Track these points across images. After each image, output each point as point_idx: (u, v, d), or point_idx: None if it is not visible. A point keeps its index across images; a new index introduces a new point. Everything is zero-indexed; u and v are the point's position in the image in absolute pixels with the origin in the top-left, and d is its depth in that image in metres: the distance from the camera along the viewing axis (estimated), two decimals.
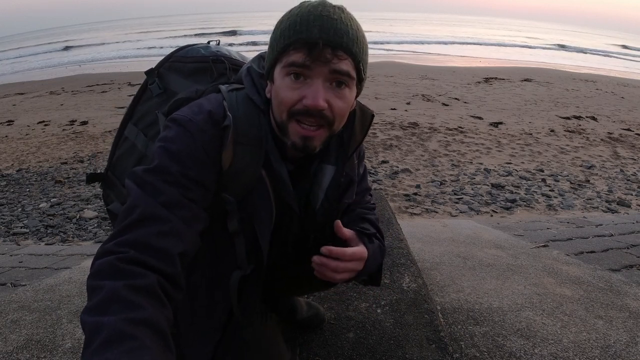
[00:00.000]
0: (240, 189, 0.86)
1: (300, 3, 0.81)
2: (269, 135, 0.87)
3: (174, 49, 1.12)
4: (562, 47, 32.06)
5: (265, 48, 0.90)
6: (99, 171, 1.25)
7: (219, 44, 1.13)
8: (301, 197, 0.96)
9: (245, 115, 0.86)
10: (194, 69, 1.05)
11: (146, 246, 0.70)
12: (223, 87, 0.91)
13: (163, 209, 0.74)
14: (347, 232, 0.93)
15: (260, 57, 0.94)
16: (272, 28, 0.85)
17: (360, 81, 0.85)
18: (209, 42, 1.13)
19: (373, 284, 1.07)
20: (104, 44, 31.43)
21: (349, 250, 0.89)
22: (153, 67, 1.10)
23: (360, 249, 0.91)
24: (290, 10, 0.81)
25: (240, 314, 0.93)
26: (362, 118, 0.97)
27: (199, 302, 0.91)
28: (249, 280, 0.94)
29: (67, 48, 29.68)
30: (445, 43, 28.31)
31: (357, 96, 0.89)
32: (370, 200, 1.15)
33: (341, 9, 0.80)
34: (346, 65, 0.79)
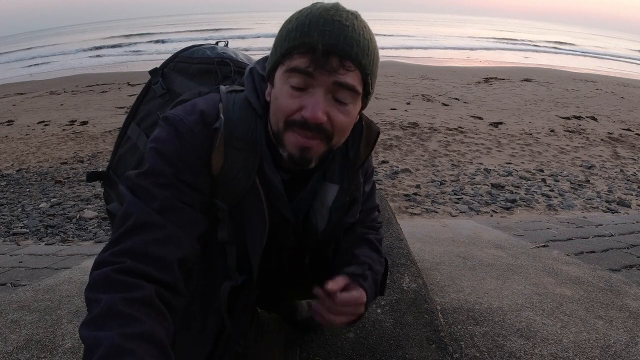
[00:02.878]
0: (233, 196, 0.82)
1: (312, 4, 0.76)
2: (263, 142, 0.83)
3: (180, 49, 1.10)
4: (581, 51, 30.86)
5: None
6: (100, 169, 1.24)
7: (227, 45, 1.11)
8: (299, 212, 0.93)
9: (241, 118, 0.82)
10: (198, 70, 1.03)
11: (142, 255, 0.69)
12: (222, 88, 0.88)
13: (157, 215, 0.72)
14: (340, 283, 0.84)
15: (264, 59, 0.90)
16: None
17: (366, 95, 0.79)
18: (217, 43, 1.11)
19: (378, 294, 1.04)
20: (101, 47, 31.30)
21: (342, 296, 0.82)
22: (157, 66, 1.08)
23: (356, 294, 0.85)
24: (300, 11, 0.76)
25: (231, 326, 0.90)
26: (368, 135, 0.92)
27: (192, 312, 0.88)
28: (242, 292, 0.91)
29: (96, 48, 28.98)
30: (451, 48, 27.88)
31: (361, 110, 0.84)
32: (377, 219, 1.10)
33: (355, 15, 0.74)
34: (352, 79, 0.73)
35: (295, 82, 0.73)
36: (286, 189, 0.88)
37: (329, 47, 0.70)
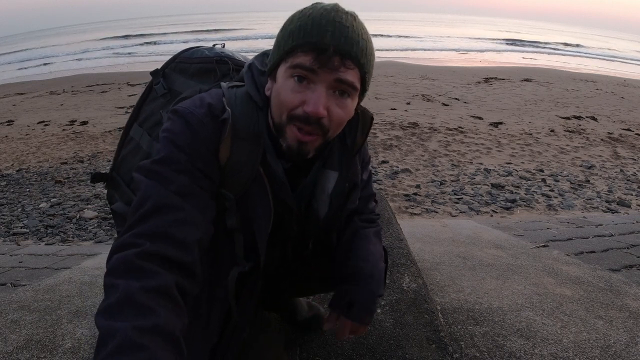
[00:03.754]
0: (239, 185, 0.86)
1: (313, 4, 0.81)
2: (265, 133, 0.87)
3: (180, 50, 1.13)
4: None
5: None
6: (103, 171, 1.26)
7: (224, 47, 1.15)
8: (302, 200, 0.96)
9: (243, 111, 0.86)
10: (198, 69, 1.06)
11: (163, 236, 0.71)
12: (223, 84, 0.92)
13: (176, 197, 0.75)
14: (332, 322, 1.04)
15: (263, 54, 0.94)
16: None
17: (362, 92, 0.85)
18: (214, 45, 1.15)
19: None
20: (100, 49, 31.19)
21: (337, 333, 1.03)
22: (159, 67, 1.11)
23: (346, 326, 1.01)
24: (302, 10, 0.80)
25: (238, 314, 0.92)
26: (363, 122, 0.97)
27: (198, 301, 0.90)
28: (248, 280, 0.93)
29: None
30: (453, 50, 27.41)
31: (357, 105, 0.89)
32: (375, 209, 1.15)
33: (353, 17, 0.79)
34: (352, 76, 0.78)
35: (297, 78, 0.78)
36: (289, 178, 0.91)
37: (331, 47, 0.75)
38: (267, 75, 0.86)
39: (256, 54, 0.96)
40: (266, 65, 0.88)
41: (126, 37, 39.50)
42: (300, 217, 0.97)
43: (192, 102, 0.85)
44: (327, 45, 0.74)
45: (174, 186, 0.76)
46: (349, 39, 0.76)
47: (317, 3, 0.80)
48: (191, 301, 0.78)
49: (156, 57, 21.81)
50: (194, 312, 0.86)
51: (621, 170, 5.53)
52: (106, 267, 0.69)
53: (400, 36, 35.62)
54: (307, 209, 0.97)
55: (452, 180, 4.97)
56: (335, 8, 0.78)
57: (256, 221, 0.89)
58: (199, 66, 1.06)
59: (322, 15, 0.76)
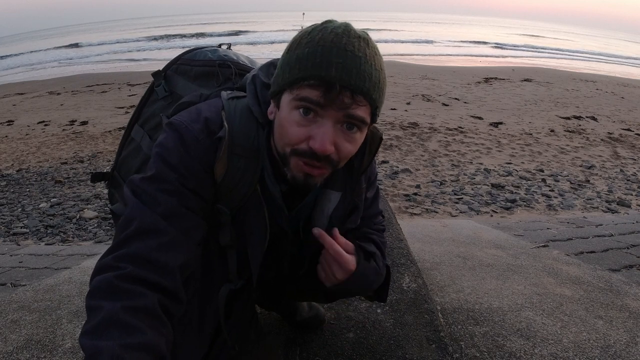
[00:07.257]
0: (235, 201, 0.83)
1: (323, 25, 0.73)
2: (264, 151, 0.83)
3: (183, 51, 1.10)
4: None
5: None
6: (103, 170, 1.23)
7: (229, 47, 1.12)
8: (299, 220, 0.93)
9: (242, 126, 0.82)
10: (200, 72, 1.03)
11: (145, 260, 0.69)
12: (224, 94, 0.88)
13: (162, 221, 0.73)
14: (344, 242, 0.88)
15: (270, 65, 0.89)
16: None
17: (372, 123, 0.79)
18: (220, 45, 1.11)
19: (379, 300, 1.05)
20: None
21: (336, 248, 0.84)
22: (160, 69, 1.09)
23: (347, 258, 0.86)
24: (310, 32, 0.73)
25: (227, 330, 0.90)
26: (371, 143, 0.92)
27: (190, 314, 0.87)
28: (240, 297, 0.92)
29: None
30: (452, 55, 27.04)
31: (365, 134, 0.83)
32: (381, 223, 1.10)
33: (366, 42, 0.72)
34: (363, 112, 0.73)
35: (303, 110, 0.73)
36: (286, 199, 0.88)
37: (341, 82, 0.69)
38: (271, 97, 0.81)
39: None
40: (271, 77, 0.83)
41: (127, 38, 39.40)
42: (295, 239, 0.94)
43: (189, 115, 0.81)
44: (337, 81, 0.68)
45: (160, 208, 0.74)
46: (361, 72, 0.69)
47: (327, 23, 0.74)
48: (182, 316, 0.77)
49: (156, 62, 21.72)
50: (186, 321, 0.84)
51: (621, 170, 5.53)
52: (89, 288, 0.68)
53: (403, 41, 35.40)
54: (306, 228, 0.94)
55: (452, 180, 4.97)
56: (347, 31, 0.71)
57: (250, 240, 0.86)
58: (201, 69, 1.03)
59: (332, 41, 0.69)
